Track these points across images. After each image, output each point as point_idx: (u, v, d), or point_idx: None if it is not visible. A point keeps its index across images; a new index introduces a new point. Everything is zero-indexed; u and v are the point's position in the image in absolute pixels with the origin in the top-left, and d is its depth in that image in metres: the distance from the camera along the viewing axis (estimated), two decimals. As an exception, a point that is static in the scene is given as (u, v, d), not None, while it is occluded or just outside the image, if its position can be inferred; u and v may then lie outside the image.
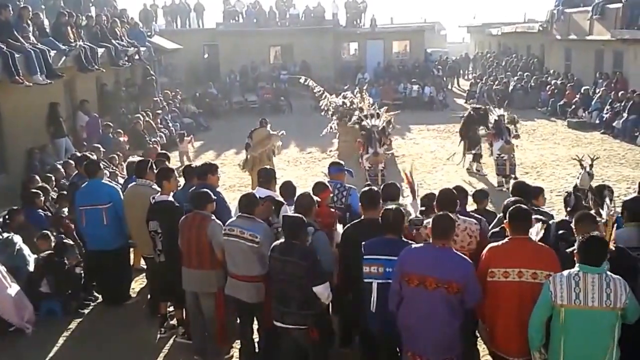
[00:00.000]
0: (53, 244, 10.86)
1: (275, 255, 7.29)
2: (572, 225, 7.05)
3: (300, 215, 7.38)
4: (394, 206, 7.21)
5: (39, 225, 11.70)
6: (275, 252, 7.30)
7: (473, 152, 19.01)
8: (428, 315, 6.26)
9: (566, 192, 9.21)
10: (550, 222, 7.95)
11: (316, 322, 7.38)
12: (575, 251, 6.06)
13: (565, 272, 5.93)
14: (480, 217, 8.19)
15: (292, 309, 7.21)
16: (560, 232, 7.56)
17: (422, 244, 6.57)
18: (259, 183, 9.58)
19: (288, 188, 9.37)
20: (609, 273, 5.85)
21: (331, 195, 9.10)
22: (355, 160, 17.69)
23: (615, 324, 5.79)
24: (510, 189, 9.76)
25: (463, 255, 6.44)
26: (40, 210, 12.13)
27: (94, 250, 10.63)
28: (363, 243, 7.01)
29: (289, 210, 8.58)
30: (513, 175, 17.25)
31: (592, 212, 7.90)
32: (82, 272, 10.90)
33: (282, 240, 7.35)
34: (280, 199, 8.92)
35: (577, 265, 5.95)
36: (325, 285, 7.20)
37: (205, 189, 8.60)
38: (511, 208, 6.91)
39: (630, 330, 6.07)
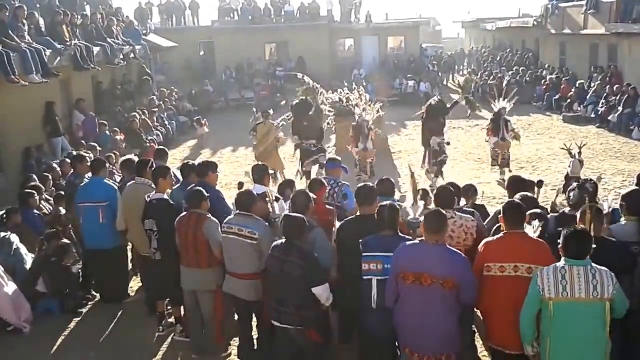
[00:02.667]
0: (54, 246, 10.84)
1: (274, 255, 7.27)
2: (578, 216, 7.04)
3: (302, 216, 7.34)
4: (388, 203, 7.22)
5: (32, 226, 11.73)
6: (275, 251, 7.28)
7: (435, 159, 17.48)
8: (425, 312, 6.28)
9: (571, 187, 9.21)
10: (549, 216, 7.98)
11: (315, 323, 7.39)
12: (559, 246, 6.08)
13: (552, 266, 5.98)
14: (474, 212, 8.23)
15: (289, 309, 7.19)
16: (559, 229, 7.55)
17: (416, 241, 6.57)
18: (254, 180, 9.61)
19: (287, 185, 9.44)
20: (594, 265, 5.88)
21: (327, 190, 9.12)
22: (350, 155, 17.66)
23: (604, 316, 5.82)
24: (506, 183, 9.79)
25: (458, 251, 6.47)
26: (35, 211, 12.14)
27: (92, 249, 10.66)
28: (361, 241, 7.03)
29: (285, 206, 8.63)
30: (507, 169, 17.65)
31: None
32: (79, 271, 10.92)
33: (283, 240, 7.33)
34: (276, 194, 8.97)
35: (562, 259, 5.99)
36: (325, 287, 7.16)
37: (199, 188, 8.63)
38: (506, 203, 6.97)
39: (622, 323, 6.14)
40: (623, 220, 7.57)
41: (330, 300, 7.36)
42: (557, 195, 10.68)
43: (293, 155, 18.13)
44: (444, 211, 6.80)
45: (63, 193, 12.64)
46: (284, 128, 17.70)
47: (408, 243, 6.59)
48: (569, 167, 11.78)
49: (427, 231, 6.38)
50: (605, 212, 7.55)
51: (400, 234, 7.03)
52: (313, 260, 7.10)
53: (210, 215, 8.40)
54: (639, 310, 6.41)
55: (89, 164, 11.58)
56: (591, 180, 8.83)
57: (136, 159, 11.77)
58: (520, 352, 6.45)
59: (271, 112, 18.03)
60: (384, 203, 7.19)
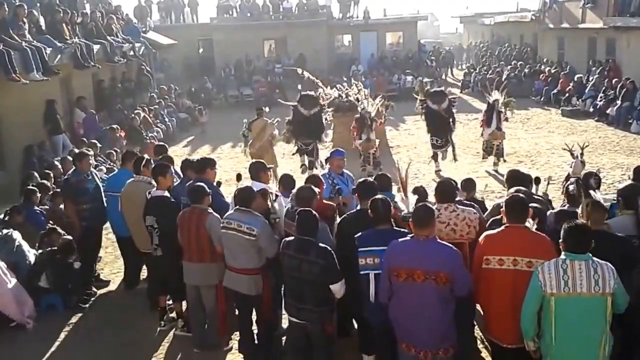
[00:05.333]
0: (60, 242, 10.97)
1: (289, 253, 7.25)
2: (580, 210, 7.06)
3: (314, 213, 7.34)
4: (380, 196, 7.22)
5: (34, 222, 11.82)
6: (290, 249, 7.25)
7: (442, 149, 18.43)
8: (419, 308, 6.26)
9: (570, 182, 9.22)
10: (548, 213, 8.01)
11: (330, 316, 7.46)
12: (560, 240, 6.07)
13: (553, 261, 5.95)
14: (475, 205, 8.27)
15: (308, 306, 7.19)
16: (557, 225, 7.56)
17: (407, 238, 6.51)
18: (251, 177, 9.65)
19: (287, 181, 9.49)
20: (595, 259, 5.86)
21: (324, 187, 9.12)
22: (350, 149, 17.67)
23: (606, 310, 5.80)
24: (505, 177, 9.84)
25: (448, 245, 6.41)
26: (36, 208, 12.21)
27: (117, 236, 11.11)
28: (356, 236, 7.06)
29: (284, 202, 8.68)
30: (502, 159, 18.22)
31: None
32: (80, 266, 11.00)
33: (295, 236, 7.35)
34: (274, 191, 9.00)
35: (563, 253, 5.98)
36: (342, 283, 7.15)
37: (201, 184, 8.70)
38: (509, 196, 6.99)
39: (622, 317, 6.15)
40: (620, 215, 7.61)
41: (342, 294, 7.34)
42: (547, 184, 10.60)
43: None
44: (431, 205, 6.81)
45: (59, 190, 12.76)
46: (278, 125, 17.81)
47: (398, 240, 6.53)
48: (571, 167, 11.72)
49: (416, 226, 6.34)
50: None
51: (396, 228, 7.04)
52: (332, 258, 7.08)
53: (212, 211, 8.47)
54: (638, 304, 6.43)
55: (90, 161, 11.65)
56: (595, 174, 8.87)
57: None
58: (516, 345, 6.49)
59: (266, 109, 18.10)
60: (377, 197, 7.19)
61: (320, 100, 18.25)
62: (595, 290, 5.75)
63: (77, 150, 16.21)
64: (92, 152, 15.33)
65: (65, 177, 12.10)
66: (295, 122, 17.80)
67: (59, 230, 11.37)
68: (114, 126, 21.28)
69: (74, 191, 11.11)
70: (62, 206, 12.49)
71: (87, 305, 10.75)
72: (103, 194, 11.18)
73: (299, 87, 29.65)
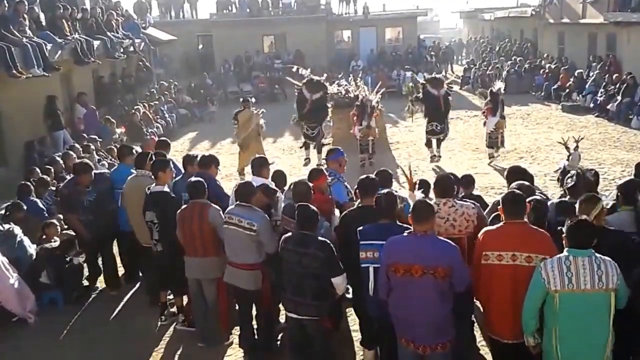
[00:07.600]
0: (61, 239, 11.00)
1: (289, 247, 7.26)
2: (577, 205, 7.06)
3: (314, 208, 7.34)
4: (385, 191, 7.24)
5: (34, 213, 11.94)
6: (290, 243, 7.27)
7: (439, 135, 18.63)
8: (418, 303, 6.25)
9: (570, 175, 9.22)
10: (549, 203, 8.00)
11: (328, 311, 7.49)
12: (564, 235, 6.05)
13: (556, 257, 5.95)
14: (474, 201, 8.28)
15: (307, 300, 7.20)
16: (559, 218, 7.55)
17: (405, 233, 6.49)
18: (252, 172, 9.68)
19: (279, 177, 9.51)
20: (597, 255, 5.86)
21: (327, 181, 9.12)
22: (350, 145, 17.71)
23: (609, 306, 5.80)
24: (506, 173, 9.84)
25: (447, 240, 6.40)
26: (33, 198, 12.27)
27: (124, 231, 10.78)
28: (358, 229, 7.06)
29: (283, 198, 8.70)
30: (502, 146, 18.64)
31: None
32: (81, 262, 11.03)
33: (295, 231, 7.37)
34: (274, 186, 9.02)
35: (566, 249, 5.97)
36: (343, 277, 7.18)
37: (199, 179, 8.75)
38: (505, 193, 6.99)
39: (623, 313, 6.11)
40: (619, 211, 7.61)
41: (345, 289, 7.40)
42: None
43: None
44: (430, 201, 6.82)
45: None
46: (264, 115, 17.93)
47: (396, 235, 6.51)
48: (567, 160, 11.71)
49: (415, 222, 6.32)
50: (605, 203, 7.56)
51: (399, 223, 7.01)
52: (331, 251, 7.09)
53: (211, 203, 8.51)
54: (636, 296, 6.43)
55: (91, 177, 11.19)
56: (592, 170, 8.87)
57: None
58: (516, 340, 6.50)
59: (253, 100, 18.30)
60: (381, 191, 7.22)
61: (326, 84, 18.85)
62: (599, 287, 5.75)
63: (78, 146, 16.37)
64: (92, 148, 15.37)
65: (61, 186, 11.85)
66: (299, 105, 18.43)
67: (56, 223, 11.46)
68: (109, 117, 21.41)
69: (67, 202, 10.94)
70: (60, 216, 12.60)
71: (87, 301, 10.79)
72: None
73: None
